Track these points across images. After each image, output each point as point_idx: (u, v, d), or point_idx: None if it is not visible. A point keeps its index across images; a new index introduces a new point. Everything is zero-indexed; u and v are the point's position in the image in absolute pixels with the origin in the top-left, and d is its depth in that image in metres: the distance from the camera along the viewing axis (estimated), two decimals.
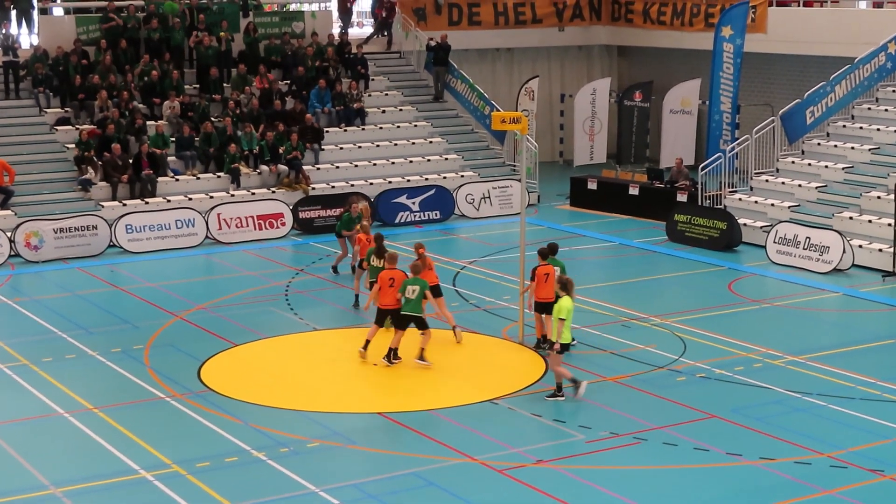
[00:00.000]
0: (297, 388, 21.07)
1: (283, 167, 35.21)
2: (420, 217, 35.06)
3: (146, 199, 33.28)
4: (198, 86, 37.77)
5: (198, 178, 34.54)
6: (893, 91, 34.52)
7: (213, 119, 36.05)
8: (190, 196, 33.82)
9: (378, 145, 37.94)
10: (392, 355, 21.87)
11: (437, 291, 23.00)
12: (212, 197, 33.92)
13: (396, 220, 34.82)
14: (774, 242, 30.27)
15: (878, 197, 30.48)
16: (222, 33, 38.34)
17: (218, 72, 37.79)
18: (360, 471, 17.49)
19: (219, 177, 34.75)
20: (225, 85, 37.91)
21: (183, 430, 19.03)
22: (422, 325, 21.81)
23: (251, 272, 29.58)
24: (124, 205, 32.86)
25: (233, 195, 34.16)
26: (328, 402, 20.32)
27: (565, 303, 19.66)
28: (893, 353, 23.01)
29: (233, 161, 34.61)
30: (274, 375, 21.80)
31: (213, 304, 26.48)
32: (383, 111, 39.44)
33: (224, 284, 28.60)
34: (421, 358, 21.78)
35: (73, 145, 33.95)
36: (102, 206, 32.65)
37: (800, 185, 32.68)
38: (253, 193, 34.43)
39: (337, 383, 21.41)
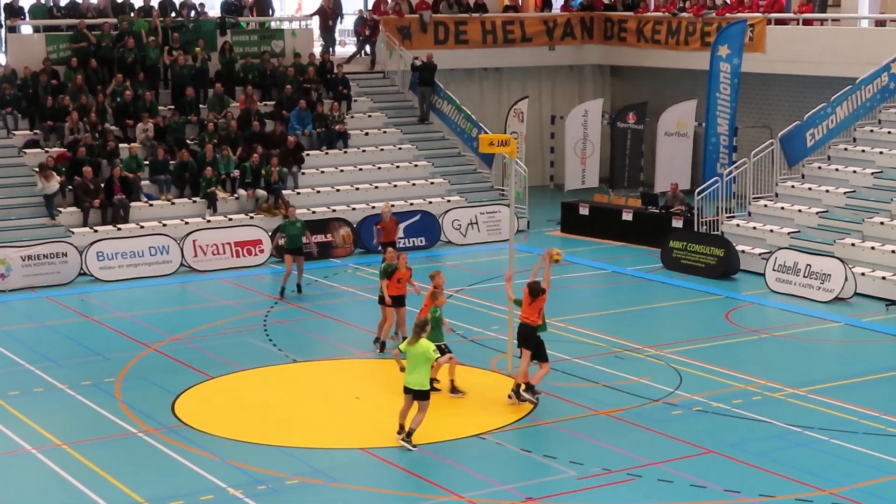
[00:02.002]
0: (275, 423, 20.99)
1: (261, 192, 35.20)
2: (404, 244, 35.03)
3: (118, 225, 33.21)
4: (173, 107, 37.77)
5: (172, 203, 34.50)
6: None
7: (188, 141, 36.05)
8: (164, 222, 33.76)
9: (361, 169, 37.96)
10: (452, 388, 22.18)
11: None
12: (187, 223, 33.87)
13: (379, 247, 34.75)
14: (774, 270, 30.31)
15: (882, 223, 30.55)
16: (198, 50, 38.39)
17: (194, 92, 37.81)
18: None
19: (194, 201, 34.72)
20: (201, 106, 37.92)
21: (156, 466, 18.94)
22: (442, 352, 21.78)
23: (228, 301, 29.53)
24: (95, 231, 32.78)
25: (209, 221, 34.12)
26: (308, 438, 20.25)
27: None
28: None
29: (209, 185, 34.59)
30: (251, 409, 21.73)
31: (187, 335, 26.41)
32: (366, 133, 39.48)
33: (199, 314, 28.54)
34: (454, 390, 22.03)
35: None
36: (73, 233, 32.58)
37: (800, 211, 32.75)
38: (230, 219, 34.39)
39: (318, 417, 21.35)
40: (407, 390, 19.56)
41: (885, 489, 17.81)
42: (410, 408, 19.65)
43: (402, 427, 19.73)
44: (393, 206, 33.06)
